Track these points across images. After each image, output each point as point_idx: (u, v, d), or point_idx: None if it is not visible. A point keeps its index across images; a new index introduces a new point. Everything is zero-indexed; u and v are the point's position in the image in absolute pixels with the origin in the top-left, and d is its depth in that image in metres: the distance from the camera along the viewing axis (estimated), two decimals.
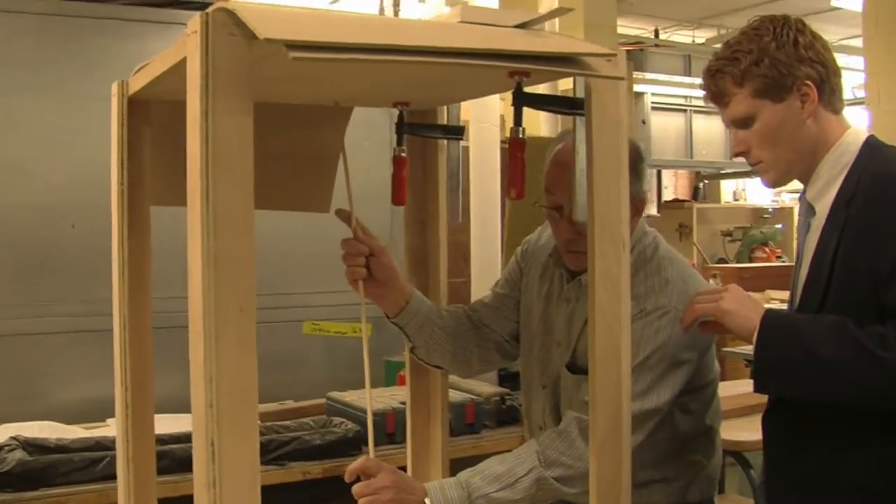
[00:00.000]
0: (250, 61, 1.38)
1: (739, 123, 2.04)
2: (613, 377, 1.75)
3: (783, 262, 10.80)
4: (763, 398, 3.75)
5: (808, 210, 2.08)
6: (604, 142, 1.72)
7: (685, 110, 10.27)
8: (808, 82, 1.98)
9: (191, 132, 1.40)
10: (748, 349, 5.81)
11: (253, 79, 1.39)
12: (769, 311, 1.94)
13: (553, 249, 2.39)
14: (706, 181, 12.05)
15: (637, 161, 2.20)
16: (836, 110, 2.04)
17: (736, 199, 12.81)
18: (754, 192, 12.95)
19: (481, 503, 2.04)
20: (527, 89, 1.68)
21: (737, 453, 3.38)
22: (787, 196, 13.02)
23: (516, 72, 1.60)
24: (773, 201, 12.78)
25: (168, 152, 2.00)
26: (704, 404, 2.40)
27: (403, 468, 2.49)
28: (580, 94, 1.75)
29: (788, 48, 1.98)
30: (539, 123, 5.63)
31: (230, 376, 1.38)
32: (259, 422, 3.31)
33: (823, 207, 2.02)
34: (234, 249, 1.38)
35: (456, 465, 2.49)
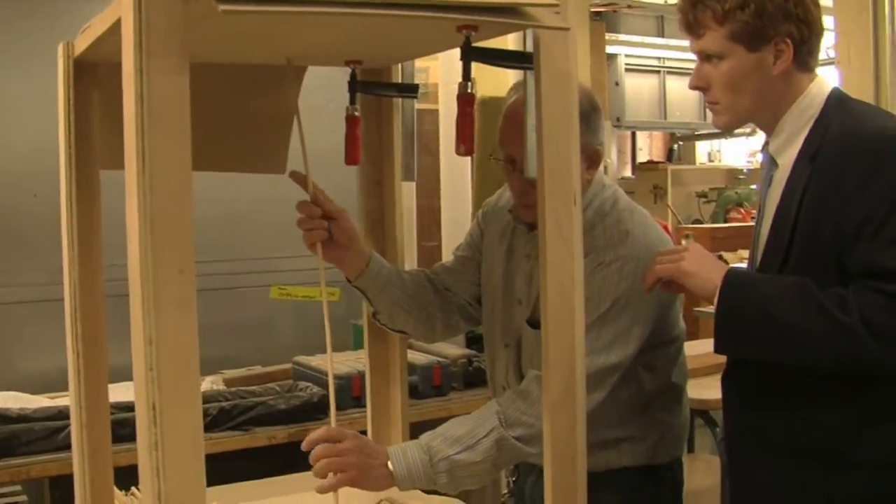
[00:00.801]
0: (187, 20, 1.35)
1: (706, 57, 1.98)
2: (567, 336, 1.73)
3: None
4: (723, 357, 3.75)
5: (771, 163, 2.04)
6: (553, 95, 1.69)
7: (659, 72, 10.22)
8: (787, 40, 1.92)
9: (126, 92, 1.37)
10: None
11: (193, 38, 1.36)
12: (730, 271, 1.91)
13: (512, 206, 2.36)
14: (680, 142, 12.03)
15: (590, 112, 2.18)
16: (810, 69, 1.99)
17: (711, 161, 12.81)
18: (729, 154, 12.95)
19: (443, 465, 2.01)
20: (478, 44, 1.66)
21: (704, 412, 3.38)
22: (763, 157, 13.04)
23: (464, 25, 1.58)
24: (748, 162, 12.77)
25: (117, 115, 1.97)
26: (669, 361, 2.37)
27: (363, 432, 2.49)
28: (530, 47, 1.73)
29: (778, 0, 1.91)
30: (508, 83, 5.59)
31: (170, 339, 1.36)
32: (224, 388, 3.31)
33: (786, 161, 1.97)
34: (172, 210, 1.36)
35: (423, 428, 2.47)
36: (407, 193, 2.40)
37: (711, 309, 1.91)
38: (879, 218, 1.78)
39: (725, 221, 10.83)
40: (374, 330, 2.40)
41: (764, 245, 1.99)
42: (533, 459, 2.15)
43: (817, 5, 1.98)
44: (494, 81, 5.22)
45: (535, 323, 2.26)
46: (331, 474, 1.94)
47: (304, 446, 2.00)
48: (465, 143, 1.74)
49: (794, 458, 1.92)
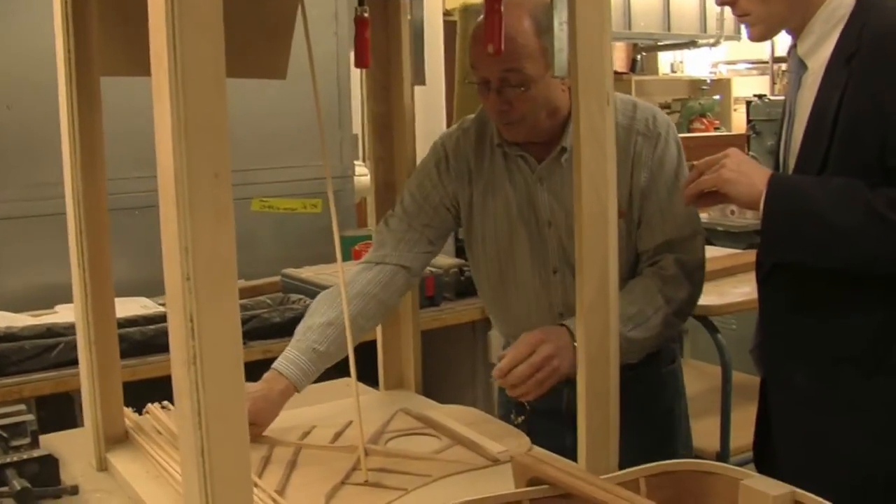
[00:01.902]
0: None
1: None
2: (601, 237, 1.69)
3: (721, 132, 10.82)
4: (724, 263, 3.74)
5: (800, 66, 1.97)
6: None
7: None
8: None
9: None
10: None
11: None
12: (774, 175, 1.86)
13: (499, 137, 2.26)
14: (643, 53, 11.95)
15: None
16: None
17: (674, 72, 12.75)
18: (692, 64, 12.90)
19: (622, 341, 1.96)
20: None
21: (703, 317, 3.35)
22: (725, 67, 13.01)
23: None
24: (711, 73, 12.75)
25: (118, 17, 1.88)
26: None
27: (373, 341, 2.44)
28: None
29: None
30: None
31: (208, 246, 1.29)
32: None
33: (817, 63, 1.91)
34: (207, 111, 1.28)
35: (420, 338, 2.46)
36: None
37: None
38: None
39: (689, 132, 10.84)
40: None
41: (798, 150, 1.93)
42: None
43: None
44: None
45: None
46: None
47: (498, 376, 2.04)
48: (494, 41, 1.68)
49: (831, 362, 1.90)
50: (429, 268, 3.48)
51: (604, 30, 1.65)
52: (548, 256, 2.26)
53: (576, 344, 1.86)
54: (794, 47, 1.98)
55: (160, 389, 1.89)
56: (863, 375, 1.86)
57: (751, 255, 4.16)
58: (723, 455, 3.31)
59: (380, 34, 2.23)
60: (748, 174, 1.86)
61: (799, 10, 1.92)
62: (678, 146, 2.24)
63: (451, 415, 2.19)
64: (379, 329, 2.41)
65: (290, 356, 2.17)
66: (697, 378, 3.68)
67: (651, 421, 2.37)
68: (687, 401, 2.53)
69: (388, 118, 2.30)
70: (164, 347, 2.83)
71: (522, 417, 2.39)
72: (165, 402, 2.16)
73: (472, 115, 2.38)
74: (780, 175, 1.92)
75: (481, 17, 2.05)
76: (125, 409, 2.11)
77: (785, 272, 1.95)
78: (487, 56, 1.95)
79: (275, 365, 2.17)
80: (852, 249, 1.77)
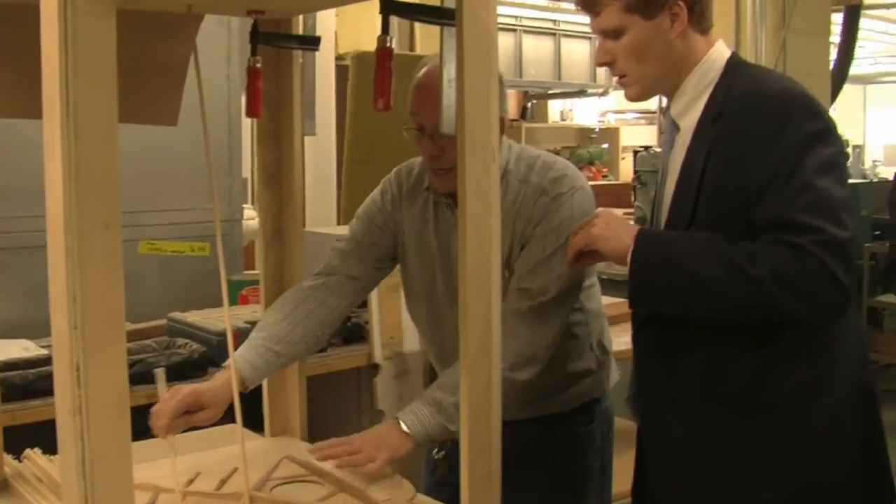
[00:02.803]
0: None
1: (608, 34, 2.02)
2: (484, 291, 1.72)
3: (609, 180, 11.03)
4: (609, 312, 3.81)
5: (673, 126, 2.09)
6: (475, 51, 1.68)
7: (515, 30, 10.29)
8: (680, 2, 1.98)
9: (47, 35, 1.29)
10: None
11: None
12: (641, 230, 1.96)
13: (429, 181, 2.37)
14: (534, 101, 12.15)
15: (501, 79, 2.19)
16: (704, 30, 2.04)
17: (563, 119, 12.97)
18: (581, 113, 13.14)
19: (452, 410, 2.06)
20: None
21: None
22: (613, 117, 13.27)
23: None
24: (600, 121, 13.00)
25: (9, 60, 1.87)
26: (596, 296, 2.55)
27: (259, 387, 2.44)
28: (449, 3, 1.71)
29: None
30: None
31: (96, 296, 1.30)
32: None
33: (688, 124, 2.03)
34: (98, 161, 1.30)
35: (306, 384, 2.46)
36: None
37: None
38: (786, 172, 1.84)
39: None
40: (270, 284, 2.35)
41: (669, 206, 2.04)
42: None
43: None
44: (361, 36, 5.19)
45: None
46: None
47: (317, 457, 2.15)
48: (383, 97, 1.72)
49: (706, 407, 1.98)
50: None
51: (490, 88, 1.70)
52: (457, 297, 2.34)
53: (406, 430, 2.09)
54: (667, 108, 2.09)
55: (41, 434, 1.87)
56: (738, 417, 1.94)
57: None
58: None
59: (271, 83, 2.25)
60: (616, 230, 1.96)
61: (671, 73, 2.04)
62: (579, 212, 2.26)
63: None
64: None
65: (244, 354, 2.28)
66: None
67: (565, 479, 2.47)
68: (610, 457, 2.63)
69: (278, 166, 2.31)
70: (46, 391, 2.80)
71: (443, 452, 2.50)
72: (37, 449, 2.13)
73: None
74: (647, 230, 2.03)
75: (426, 67, 2.21)
76: (4, 455, 2.08)
77: (658, 321, 2.04)
78: (425, 103, 2.11)
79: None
80: (715, 299, 1.86)
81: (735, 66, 2.04)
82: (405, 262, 2.46)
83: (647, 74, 2.03)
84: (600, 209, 2.07)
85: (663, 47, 2.01)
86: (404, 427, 2.10)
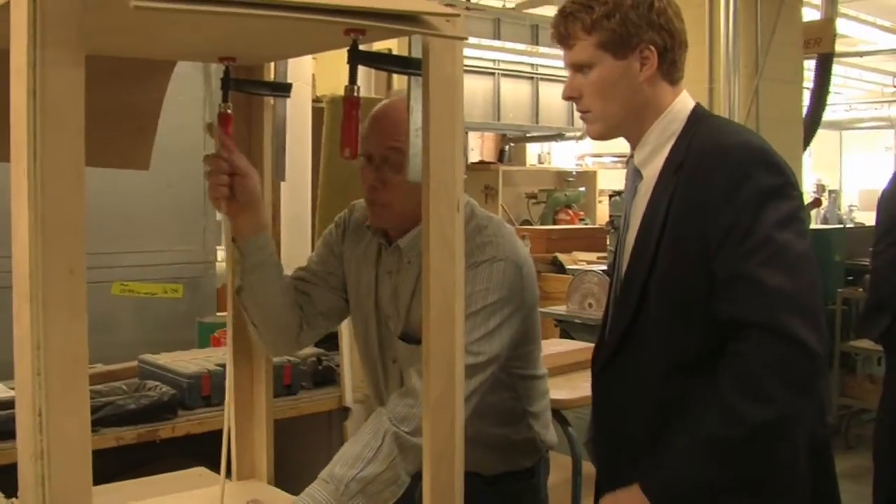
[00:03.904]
0: (82, 9, 1.30)
1: (577, 68, 2.07)
2: (448, 338, 1.75)
3: (586, 224, 11.08)
4: (576, 357, 3.84)
5: (636, 174, 2.12)
6: (440, 101, 1.71)
7: (493, 73, 10.38)
8: (652, 47, 2.02)
9: (16, 85, 1.32)
10: (558, 309, 5.88)
11: (84, 29, 1.32)
12: (642, 484, 1.95)
13: (370, 219, 2.35)
14: (512, 144, 12.25)
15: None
16: (673, 81, 2.09)
17: (541, 162, 13.07)
18: (559, 156, 13.25)
19: (354, 487, 1.96)
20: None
21: (555, 411, 3.43)
22: (590, 160, 13.37)
23: (352, 29, 1.57)
24: (577, 165, 13.10)
25: None
26: (535, 362, 2.45)
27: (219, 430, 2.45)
28: (415, 53, 1.74)
29: (642, 9, 2.01)
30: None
31: (60, 343, 1.32)
32: None
33: (651, 173, 2.07)
34: (64, 209, 1.32)
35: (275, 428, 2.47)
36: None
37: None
38: (745, 225, 1.87)
39: (554, 223, 11.08)
40: (238, 325, 2.35)
41: (630, 254, 2.07)
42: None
43: (680, 19, 2.09)
44: (339, 79, 5.22)
45: (406, 337, 2.28)
46: None
47: None
48: (349, 145, 1.75)
49: (664, 448, 1.99)
50: (286, 357, 3.51)
51: (455, 139, 1.74)
52: (389, 346, 2.35)
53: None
54: (631, 157, 2.14)
55: (4, 477, 1.87)
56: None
57: None
58: None
59: (242, 129, 2.27)
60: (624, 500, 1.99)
61: (635, 116, 2.08)
62: (497, 284, 2.18)
63: None
64: (231, 417, 2.41)
65: None
66: (552, 470, 3.75)
67: None
68: None
69: None
70: (11, 434, 2.79)
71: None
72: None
73: None
74: (647, 480, 1.97)
75: (388, 99, 2.26)
76: None
77: (615, 367, 2.06)
78: (375, 132, 2.15)
79: None
80: (735, 476, 1.91)
81: (698, 117, 2.08)
82: (352, 305, 2.46)
83: (610, 113, 2.07)
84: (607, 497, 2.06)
85: (629, 89, 2.05)
86: None
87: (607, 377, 2.13)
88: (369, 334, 2.40)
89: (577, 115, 8.35)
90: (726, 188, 1.90)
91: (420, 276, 1.83)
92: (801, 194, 2.00)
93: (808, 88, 6.44)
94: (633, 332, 2.05)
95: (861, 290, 6.94)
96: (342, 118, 1.74)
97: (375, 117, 2.25)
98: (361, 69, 1.69)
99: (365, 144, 2.22)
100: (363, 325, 2.41)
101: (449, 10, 1.60)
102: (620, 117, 2.08)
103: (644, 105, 2.07)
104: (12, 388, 3.14)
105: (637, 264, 2.04)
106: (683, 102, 2.09)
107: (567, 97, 2.13)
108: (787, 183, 1.94)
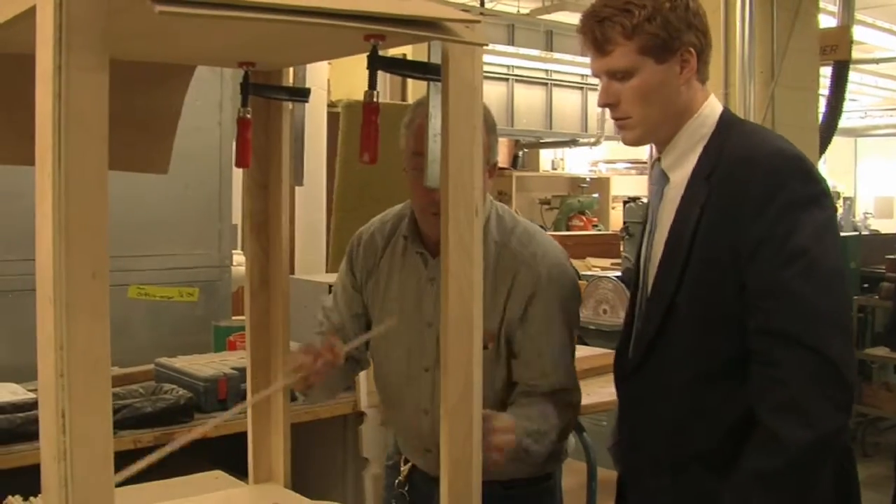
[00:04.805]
0: (107, 13, 1.32)
1: (616, 75, 2.01)
2: (465, 342, 1.76)
3: (599, 230, 11.08)
4: (593, 363, 3.83)
5: (662, 177, 2.09)
6: (459, 108, 1.72)
7: (507, 79, 10.40)
8: (691, 49, 1.99)
9: (41, 89, 1.33)
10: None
11: (109, 34, 1.33)
12: None
13: (408, 230, 2.37)
14: (525, 150, 12.24)
15: (493, 127, 2.27)
16: (703, 80, 2.06)
17: (554, 168, 13.08)
18: (572, 162, 13.25)
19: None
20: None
21: None
22: (604, 166, 13.36)
23: (372, 34, 1.58)
24: (591, 171, 13.09)
25: (5, 107, 1.90)
26: None
27: (243, 433, 2.46)
28: (435, 59, 1.75)
29: (680, 11, 1.97)
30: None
31: (82, 345, 1.33)
32: None
33: (679, 178, 2.04)
34: (88, 213, 1.33)
35: (291, 431, 2.48)
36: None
37: None
38: (780, 236, 1.85)
39: (567, 229, 11.08)
40: (256, 330, 2.37)
41: (658, 263, 2.05)
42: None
43: (707, 19, 2.06)
44: (354, 84, 5.23)
45: None
46: None
47: None
48: (369, 151, 1.74)
49: (681, 459, 2.00)
50: None
51: (474, 144, 1.74)
52: (423, 355, 2.33)
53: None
54: (657, 160, 2.11)
55: (26, 479, 1.88)
56: (712, 473, 1.95)
57: None
58: None
59: (260, 134, 2.28)
60: None
61: (672, 119, 2.04)
62: (563, 288, 2.32)
63: None
64: (249, 421, 2.43)
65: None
66: (566, 475, 3.76)
67: None
68: None
69: (265, 216, 2.33)
70: (33, 436, 2.81)
71: (407, 487, 2.49)
72: (18, 497, 2.14)
73: (399, 207, 2.48)
74: None
75: (418, 103, 2.22)
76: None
77: (641, 373, 2.06)
78: (422, 141, 2.05)
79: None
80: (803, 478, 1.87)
81: (727, 123, 2.05)
82: (372, 318, 2.47)
83: (650, 119, 2.02)
84: None
85: (670, 93, 2.01)
86: None
87: (633, 383, 2.12)
88: (399, 343, 2.39)
89: (590, 121, 8.38)
90: (761, 197, 1.88)
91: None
92: (834, 203, 1.98)
93: (823, 95, 6.43)
94: (661, 339, 2.02)
95: (877, 297, 6.93)
96: (362, 123, 1.74)
97: (410, 126, 2.26)
98: (377, 75, 1.70)
99: (418, 158, 2.16)
100: (393, 335, 2.38)
101: (469, 17, 1.60)
102: (659, 122, 2.04)
103: (682, 107, 2.04)
104: (31, 391, 3.18)
105: (667, 273, 2.02)
106: (712, 106, 2.06)
107: (604, 104, 2.06)
108: (822, 192, 1.92)
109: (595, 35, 2.01)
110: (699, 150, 2.02)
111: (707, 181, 1.97)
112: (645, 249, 2.14)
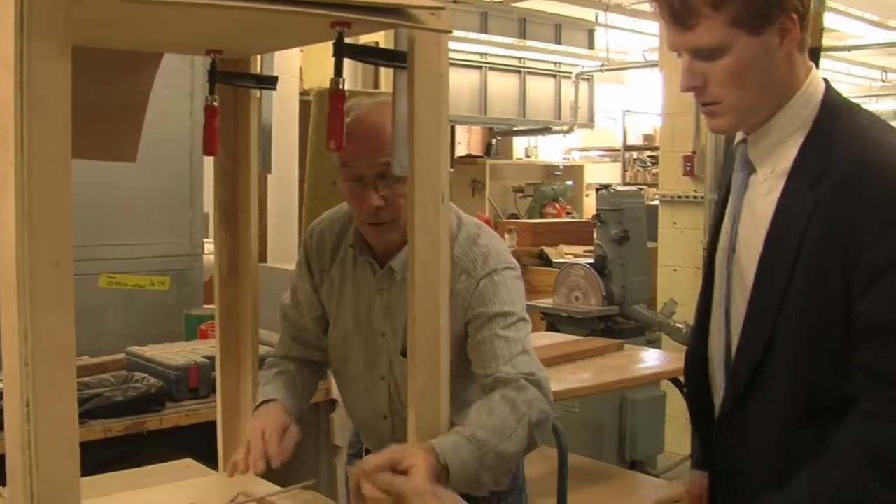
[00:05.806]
0: (69, 1, 1.31)
1: (702, 54, 1.68)
2: (432, 330, 1.77)
3: (573, 217, 11.10)
4: (564, 349, 3.83)
5: (748, 165, 1.80)
6: (425, 95, 1.73)
7: (481, 67, 10.38)
8: (793, 15, 1.64)
9: (3, 77, 1.33)
10: (544, 302, 5.86)
11: (71, 21, 1.33)
12: None
13: (355, 240, 2.24)
14: (499, 137, 12.25)
15: None
16: (803, 50, 1.71)
17: (528, 156, 13.08)
18: (545, 149, 13.25)
19: (490, 458, 1.87)
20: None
21: None
22: (578, 154, 13.38)
23: (338, 22, 1.59)
24: (564, 158, 13.11)
25: None
26: None
27: (214, 422, 2.46)
28: (401, 46, 1.75)
29: None
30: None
31: (47, 334, 1.34)
32: None
33: (769, 170, 1.75)
34: (51, 201, 1.33)
35: None
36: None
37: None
38: None
39: (541, 216, 11.09)
40: (225, 319, 2.37)
41: (755, 275, 1.75)
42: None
43: None
44: (326, 71, 5.22)
45: (406, 353, 2.18)
46: None
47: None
48: (335, 138, 1.75)
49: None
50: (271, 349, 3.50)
51: (440, 131, 1.75)
52: (378, 363, 2.25)
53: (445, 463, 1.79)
54: (743, 143, 1.81)
55: None
56: None
57: (593, 342, 4.31)
58: None
59: (228, 122, 2.27)
60: None
61: (769, 101, 1.72)
62: (505, 287, 2.11)
63: (291, 499, 2.22)
64: (219, 409, 2.43)
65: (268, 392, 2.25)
66: (537, 461, 3.78)
67: None
68: None
69: (234, 204, 2.33)
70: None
71: None
72: None
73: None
74: None
75: (354, 113, 2.06)
76: None
77: (744, 409, 1.79)
78: (363, 151, 2.01)
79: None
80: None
81: (833, 109, 1.72)
82: (328, 319, 2.37)
83: (744, 102, 1.70)
84: None
85: (768, 69, 1.68)
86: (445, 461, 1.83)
87: (731, 425, 1.81)
88: (354, 350, 2.30)
89: (563, 108, 8.32)
90: (884, 218, 1.57)
91: None
92: None
93: None
94: (762, 368, 1.71)
95: None
96: (328, 111, 1.75)
97: (354, 137, 1.98)
98: (348, 62, 1.70)
99: (351, 169, 2.10)
100: (340, 338, 2.31)
101: (434, 4, 1.61)
102: (755, 106, 1.71)
103: (781, 87, 1.71)
104: None
105: (765, 292, 1.71)
106: (815, 83, 1.73)
107: (688, 88, 1.73)
108: None
109: (674, 6, 1.66)
110: (797, 140, 1.71)
111: (813, 191, 1.65)
112: (729, 240, 1.84)
